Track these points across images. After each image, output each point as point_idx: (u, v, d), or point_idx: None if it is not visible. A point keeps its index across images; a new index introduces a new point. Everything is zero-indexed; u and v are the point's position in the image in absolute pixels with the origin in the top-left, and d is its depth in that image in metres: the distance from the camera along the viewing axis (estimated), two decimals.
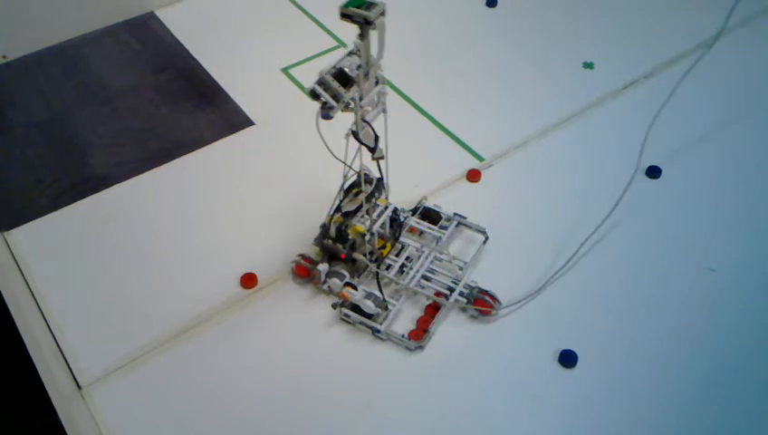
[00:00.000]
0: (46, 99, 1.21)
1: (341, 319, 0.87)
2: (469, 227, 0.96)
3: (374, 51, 0.72)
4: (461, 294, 0.88)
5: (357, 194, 0.86)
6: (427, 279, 0.90)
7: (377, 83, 0.75)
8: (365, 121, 0.76)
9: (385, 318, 0.86)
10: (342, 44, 1.28)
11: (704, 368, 0.83)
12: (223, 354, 0.85)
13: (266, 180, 1.06)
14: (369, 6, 0.69)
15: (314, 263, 0.89)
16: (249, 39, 1.32)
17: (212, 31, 1.34)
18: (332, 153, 0.77)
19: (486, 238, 0.95)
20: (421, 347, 0.85)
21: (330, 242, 0.88)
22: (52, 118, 1.18)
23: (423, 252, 0.92)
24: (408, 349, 0.85)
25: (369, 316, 0.85)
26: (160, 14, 1.37)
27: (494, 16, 1.35)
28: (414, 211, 0.96)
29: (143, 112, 1.18)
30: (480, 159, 1.08)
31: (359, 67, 0.73)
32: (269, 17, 1.36)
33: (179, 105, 1.19)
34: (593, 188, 1.01)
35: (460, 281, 0.89)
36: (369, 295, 0.84)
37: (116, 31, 1.35)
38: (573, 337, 0.85)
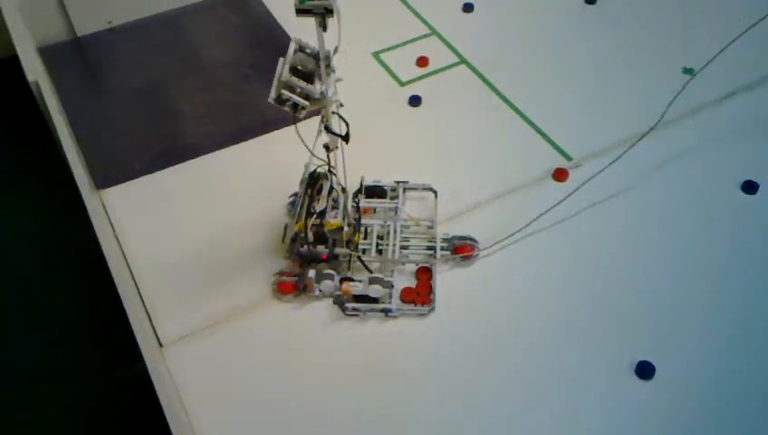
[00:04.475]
0: (145, 66, 1.26)
1: (348, 315, 0.87)
2: (415, 188, 0.98)
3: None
4: (442, 248, 0.91)
5: (319, 192, 0.85)
6: (406, 248, 0.93)
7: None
8: (335, 113, 0.77)
9: (390, 296, 0.86)
10: (434, 31, 1.27)
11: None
12: (289, 333, 0.87)
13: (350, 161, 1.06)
14: None
15: (297, 275, 0.89)
16: (343, 21, 1.32)
17: None
18: (330, 166, 0.81)
19: (436, 194, 0.97)
20: (433, 309, 0.87)
21: (309, 247, 0.86)
22: (149, 84, 1.22)
23: (389, 226, 0.93)
24: (422, 315, 0.87)
25: (375, 301, 0.86)
26: None
27: (593, 13, 1.31)
28: (358, 192, 0.96)
29: (236, 87, 1.21)
30: (568, 158, 1.06)
31: (317, 61, 0.71)
32: (362, 1, 1.36)
33: (271, 83, 1.21)
34: (686, 202, 0.97)
35: (435, 238, 0.92)
36: (371, 281, 0.85)
37: (216, 4, 1.38)
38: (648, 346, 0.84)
